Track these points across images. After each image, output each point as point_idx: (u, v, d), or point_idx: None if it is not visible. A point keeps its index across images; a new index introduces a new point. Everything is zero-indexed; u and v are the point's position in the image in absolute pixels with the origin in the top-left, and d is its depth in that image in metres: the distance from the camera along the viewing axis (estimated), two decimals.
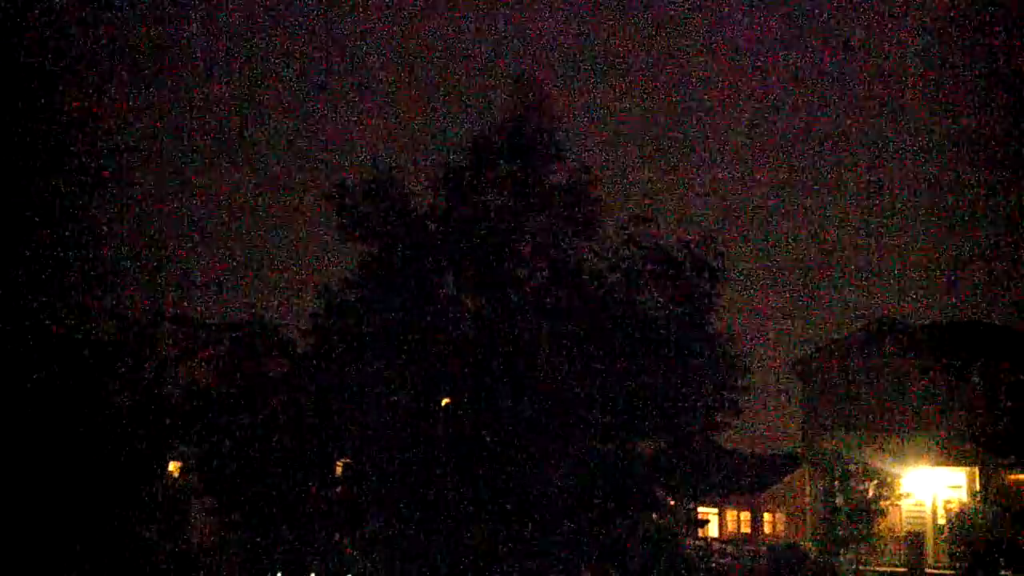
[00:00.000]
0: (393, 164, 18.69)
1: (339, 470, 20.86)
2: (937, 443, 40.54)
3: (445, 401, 18.63)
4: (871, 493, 37.79)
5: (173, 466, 26.61)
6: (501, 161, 19.00)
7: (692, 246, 18.37)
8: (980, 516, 35.33)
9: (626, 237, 18.60)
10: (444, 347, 17.87)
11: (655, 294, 18.64)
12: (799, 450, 47.52)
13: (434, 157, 19.00)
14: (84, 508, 25.57)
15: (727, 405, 18.68)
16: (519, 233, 19.01)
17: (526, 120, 18.96)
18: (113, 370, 27.18)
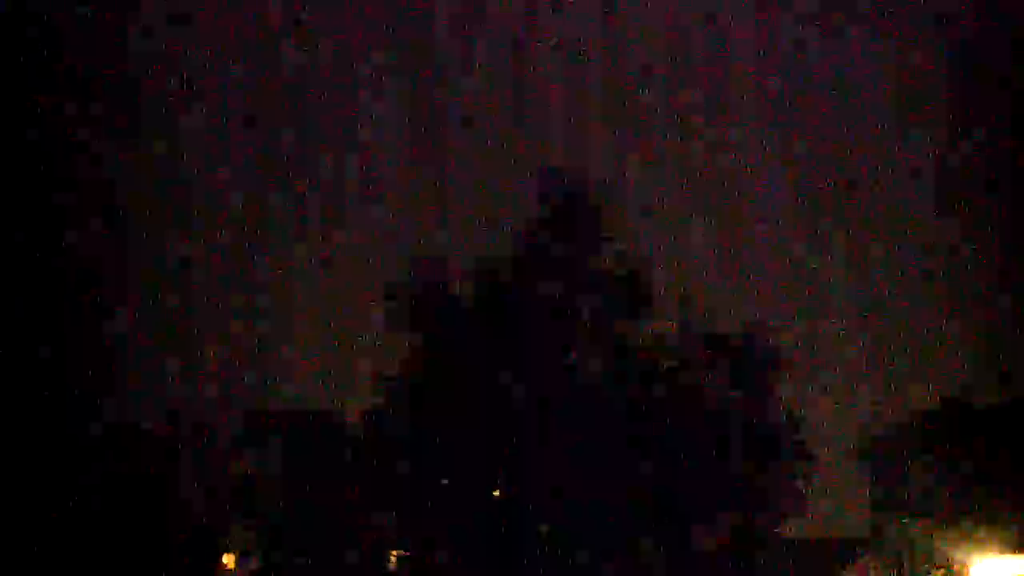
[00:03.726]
0: (439, 257, 18.92)
1: (393, 561, 20.62)
2: (1007, 530, 39.12)
3: (496, 492, 18.48)
4: None
5: (227, 559, 26.44)
6: (548, 249, 19.15)
7: (747, 333, 18.22)
8: None
9: (678, 322, 18.53)
10: (498, 435, 17.76)
11: (711, 380, 18.43)
12: (862, 535, 46.11)
13: (477, 250, 19.27)
14: None
15: (791, 494, 18.19)
16: (570, 318, 19.01)
17: (569, 207, 19.14)
18: (172, 462, 27.37)
